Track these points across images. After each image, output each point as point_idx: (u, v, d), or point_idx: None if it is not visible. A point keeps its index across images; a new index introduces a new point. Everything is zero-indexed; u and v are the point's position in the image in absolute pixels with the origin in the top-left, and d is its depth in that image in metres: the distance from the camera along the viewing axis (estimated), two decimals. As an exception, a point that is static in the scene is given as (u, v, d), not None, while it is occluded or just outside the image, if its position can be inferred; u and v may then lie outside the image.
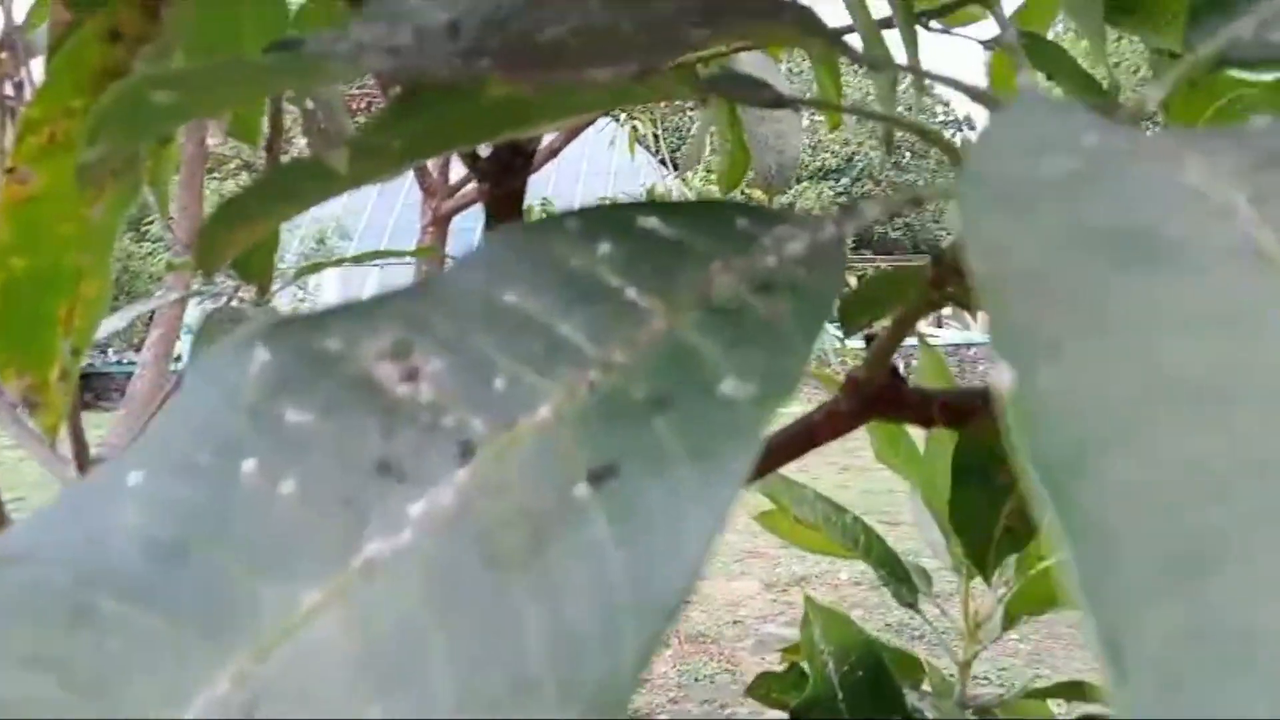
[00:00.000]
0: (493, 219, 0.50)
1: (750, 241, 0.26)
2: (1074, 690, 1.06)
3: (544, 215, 0.26)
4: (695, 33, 0.25)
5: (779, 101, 0.32)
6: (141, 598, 0.19)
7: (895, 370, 0.47)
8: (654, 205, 0.26)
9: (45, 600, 0.19)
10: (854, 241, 0.31)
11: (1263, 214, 0.18)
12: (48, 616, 0.19)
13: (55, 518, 0.21)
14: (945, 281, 0.35)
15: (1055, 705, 1.11)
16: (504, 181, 0.47)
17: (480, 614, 0.19)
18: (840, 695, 0.87)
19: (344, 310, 0.24)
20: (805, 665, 0.91)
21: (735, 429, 0.20)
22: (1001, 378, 0.15)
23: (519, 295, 0.25)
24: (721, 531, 0.19)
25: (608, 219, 0.26)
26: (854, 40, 0.39)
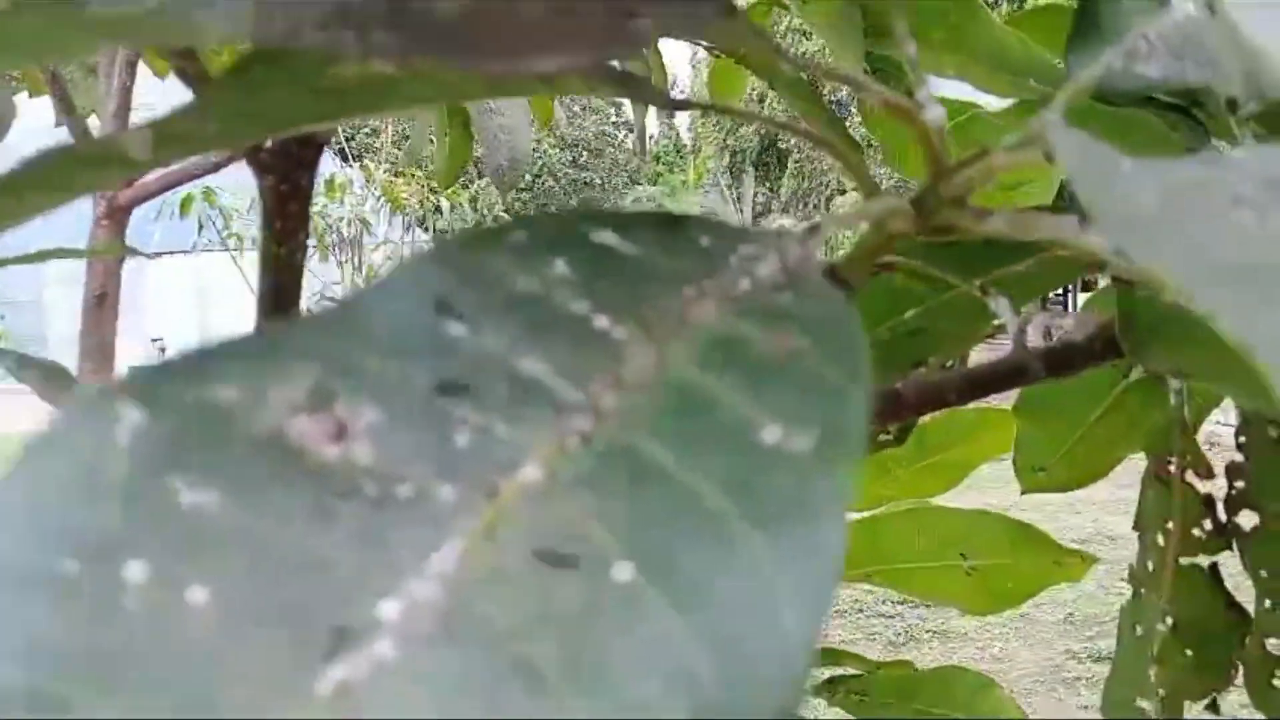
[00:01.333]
0: (272, 219, 0.43)
1: (716, 261, 0.22)
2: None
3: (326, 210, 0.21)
4: (637, 25, 0.21)
5: (678, 104, 0.29)
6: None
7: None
8: (606, 216, 0.22)
9: None
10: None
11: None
12: None
13: None
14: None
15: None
16: (290, 176, 0.40)
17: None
18: None
19: (234, 349, 0.18)
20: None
21: (805, 488, 0.17)
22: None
23: (465, 326, 0.19)
24: (827, 615, 0.15)
25: (557, 233, 0.21)
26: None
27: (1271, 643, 0.58)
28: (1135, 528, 0.66)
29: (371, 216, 8.94)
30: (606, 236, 0.21)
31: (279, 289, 0.46)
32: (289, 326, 0.19)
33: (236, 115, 0.27)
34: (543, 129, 1.42)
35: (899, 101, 0.31)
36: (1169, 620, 0.63)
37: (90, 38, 0.21)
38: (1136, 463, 0.66)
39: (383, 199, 8.97)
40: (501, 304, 0.20)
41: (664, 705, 0.14)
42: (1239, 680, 0.59)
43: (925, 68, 0.34)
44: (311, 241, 0.55)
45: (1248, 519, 0.60)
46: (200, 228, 7.57)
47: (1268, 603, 0.58)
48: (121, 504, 0.16)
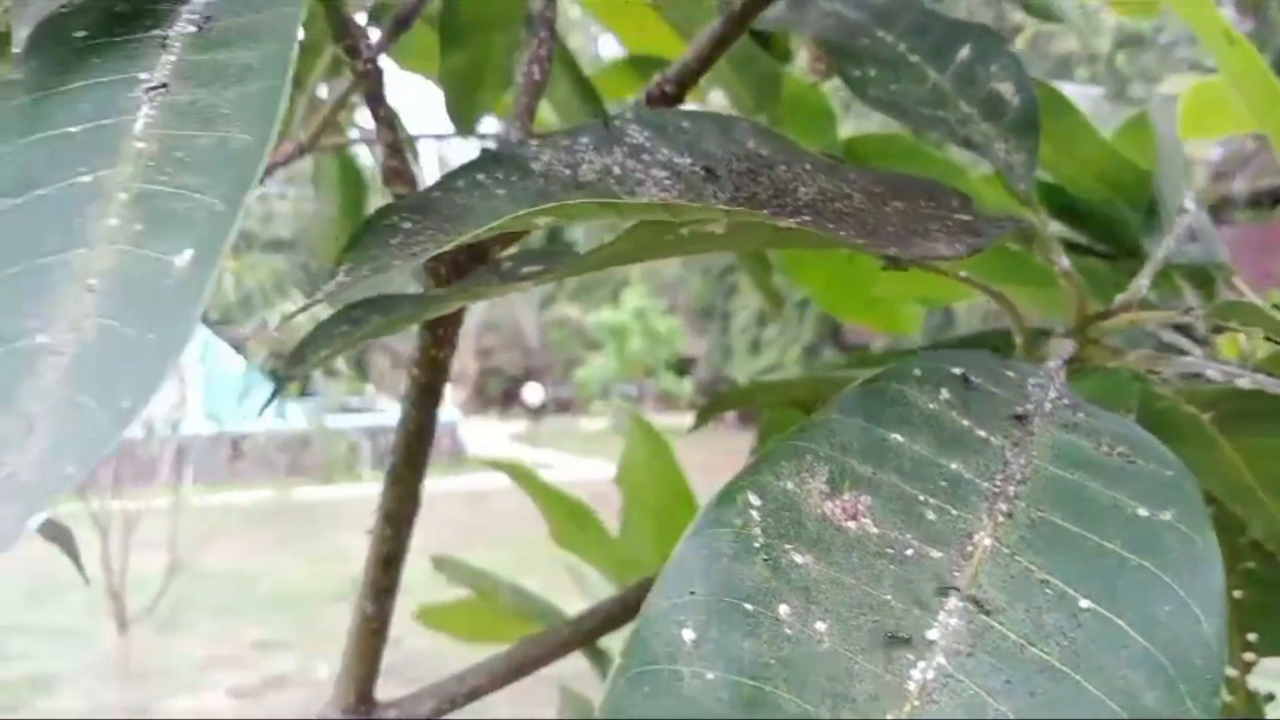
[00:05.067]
0: (435, 325, 0.48)
1: (1027, 389, 0.31)
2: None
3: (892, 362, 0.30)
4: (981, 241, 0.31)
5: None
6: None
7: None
8: (958, 357, 0.31)
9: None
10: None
11: None
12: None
13: (632, 688, 0.22)
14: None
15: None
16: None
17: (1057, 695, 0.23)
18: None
19: (786, 450, 0.27)
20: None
21: (1188, 541, 0.26)
22: None
23: (903, 436, 0.28)
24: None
25: (935, 369, 0.30)
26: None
27: None
28: None
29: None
30: (960, 372, 0.30)
31: (430, 388, 0.51)
32: (803, 432, 0.27)
33: (621, 253, 0.34)
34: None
35: (1044, 259, 0.40)
36: None
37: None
38: None
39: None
40: (920, 420, 0.29)
41: (1145, 690, 0.23)
42: None
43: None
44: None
45: None
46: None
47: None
48: (764, 564, 0.24)
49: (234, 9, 0.25)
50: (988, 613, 0.25)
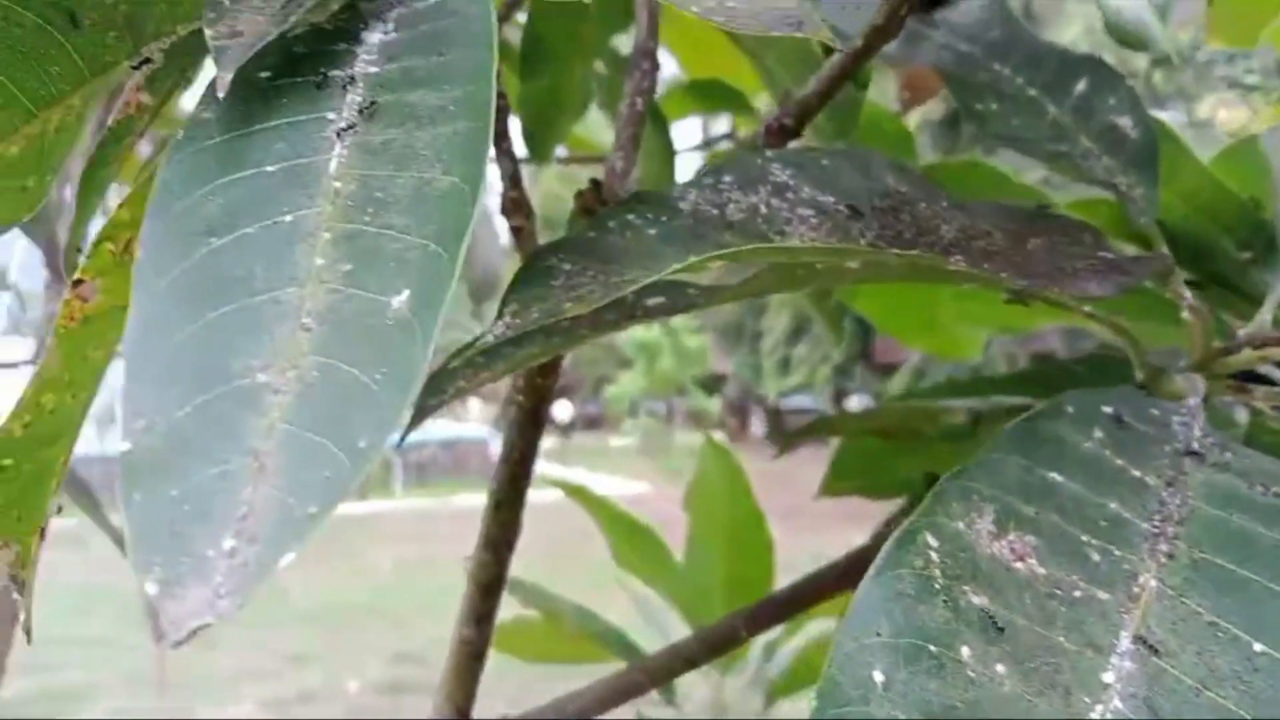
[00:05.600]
0: (528, 383, 0.48)
1: (1173, 428, 0.31)
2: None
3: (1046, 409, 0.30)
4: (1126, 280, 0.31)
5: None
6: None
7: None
8: (1109, 395, 0.31)
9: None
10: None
11: None
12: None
13: None
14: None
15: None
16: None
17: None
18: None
19: (955, 490, 0.27)
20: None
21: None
22: None
23: (1061, 475, 0.28)
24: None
25: (1088, 407, 0.30)
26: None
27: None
28: None
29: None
30: (1111, 410, 0.30)
31: (535, 414, 0.51)
32: (968, 472, 0.27)
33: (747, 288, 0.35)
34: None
35: (1173, 294, 0.40)
36: None
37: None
38: None
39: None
40: (1077, 459, 0.29)
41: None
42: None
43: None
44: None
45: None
46: None
47: None
48: (944, 606, 0.24)
49: (415, 50, 0.25)
50: (1160, 655, 0.25)
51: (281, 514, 0.17)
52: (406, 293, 0.20)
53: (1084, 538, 0.27)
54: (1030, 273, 0.30)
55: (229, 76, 0.22)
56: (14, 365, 1.08)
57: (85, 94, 0.28)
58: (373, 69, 0.25)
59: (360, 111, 0.23)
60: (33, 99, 0.26)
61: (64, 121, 0.28)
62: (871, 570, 0.24)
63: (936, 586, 0.24)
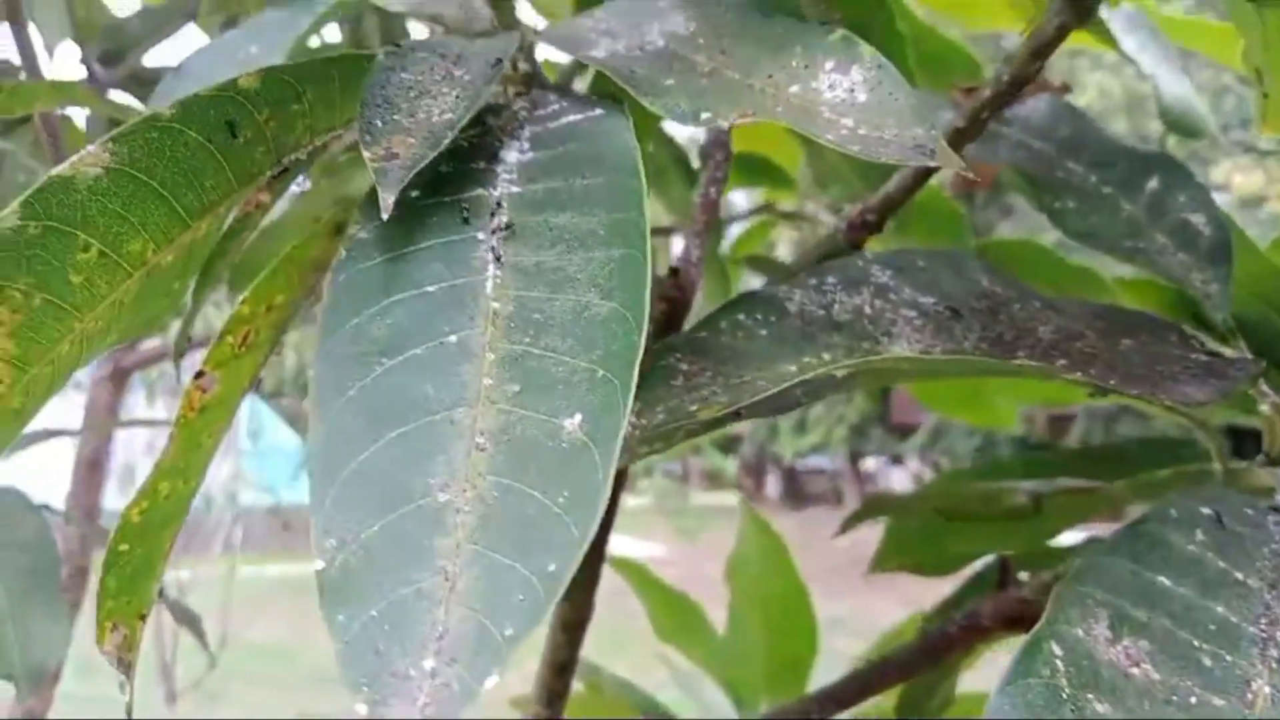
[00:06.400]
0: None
1: (1260, 527, 0.32)
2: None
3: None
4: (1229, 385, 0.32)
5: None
6: None
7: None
8: (1207, 495, 0.31)
9: None
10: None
11: None
12: None
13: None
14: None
15: None
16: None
17: None
18: None
19: (1071, 597, 0.27)
20: None
21: None
22: None
23: (1169, 579, 0.29)
24: None
25: (1189, 510, 0.31)
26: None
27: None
28: None
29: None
30: (1211, 512, 0.31)
31: (604, 521, 0.52)
32: (1080, 577, 0.28)
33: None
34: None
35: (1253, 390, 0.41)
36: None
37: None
38: None
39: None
40: (1182, 562, 0.29)
41: None
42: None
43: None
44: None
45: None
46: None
47: None
48: (1072, 715, 0.25)
49: (557, 171, 0.26)
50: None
51: (480, 637, 0.18)
52: (579, 416, 0.21)
53: (1195, 642, 0.28)
54: (1130, 376, 0.31)
55: (391, 199, 0.24)
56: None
57: (231, 202, 0.29)
58: (514, 188, 0.26)
59: (509, 230, 0.25)
60: (189, 211, 0.28)
61: (210, 228, 0.29)
62: (1001, 680, 0.25)
63: (1064, 696, 0.25)
